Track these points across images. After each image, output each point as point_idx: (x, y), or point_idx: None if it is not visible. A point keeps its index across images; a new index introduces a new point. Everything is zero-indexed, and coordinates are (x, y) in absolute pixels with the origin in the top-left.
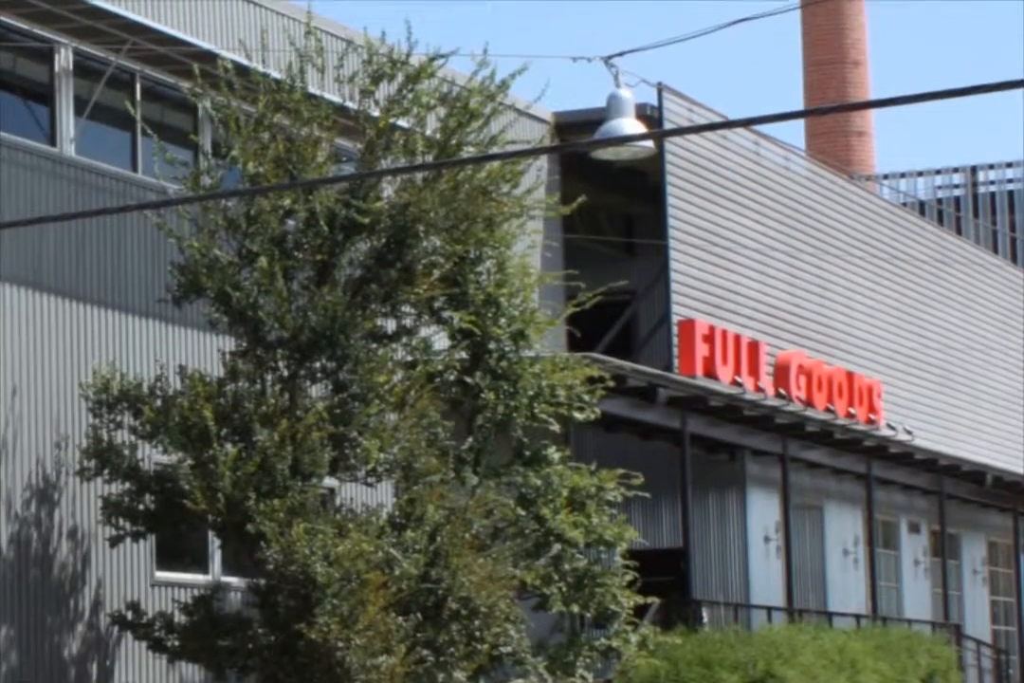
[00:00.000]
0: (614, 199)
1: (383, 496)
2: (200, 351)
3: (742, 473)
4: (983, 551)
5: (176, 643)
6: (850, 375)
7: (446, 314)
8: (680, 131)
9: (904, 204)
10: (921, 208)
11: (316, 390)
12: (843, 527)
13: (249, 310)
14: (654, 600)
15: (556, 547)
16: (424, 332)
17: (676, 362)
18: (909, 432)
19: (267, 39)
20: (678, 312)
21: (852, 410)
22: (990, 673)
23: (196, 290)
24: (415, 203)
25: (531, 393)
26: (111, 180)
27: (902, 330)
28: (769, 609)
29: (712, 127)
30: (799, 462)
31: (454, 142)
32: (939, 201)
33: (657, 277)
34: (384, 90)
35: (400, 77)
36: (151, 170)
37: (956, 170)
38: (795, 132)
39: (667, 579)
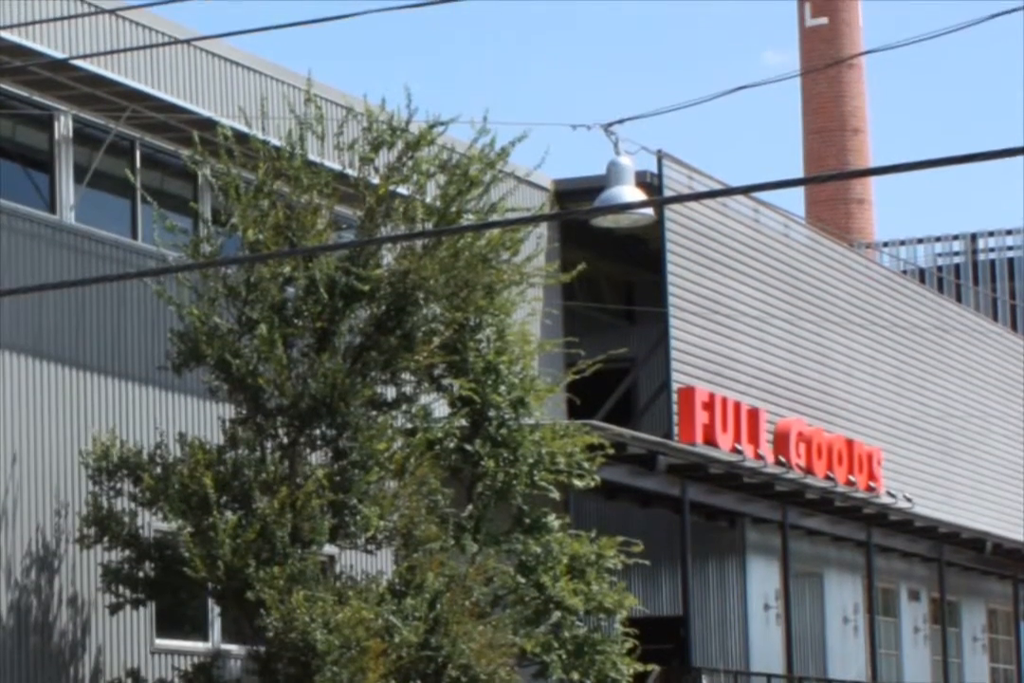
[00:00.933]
0: (614, 266)
1: (383, 563)
2: (200, 418)
3: (742, 540)
4: (983, 619)
5: None
6: (850, 442)
7: (446, 381)
8: (680, 199)
9: (904, 272)
10: (921, 275)
11: (316, 457)
12: (843, 594)
13: (249, 377)
14: (654, 668)
15: (556, 615)
16: (424, 399)
17: (676, 430)
18: (909, 499)
19: (267, 106)
20: (678, 379)
21: (852, 478)
22: None
23: (196, 357)
24: (415, 270)
25: (531, 461)
26: (111, 247)
27: (902, 397)
28: (769, 676)
29: (712, 195)
30: (799, 529)
31: (454, 210)
32: (939, 268)
33: (657, 344)
34: (384, 157)
35: (400, 144)
36: (151, 238)
37: (956, 237)
38: (795, 200)
39: (667, 647)
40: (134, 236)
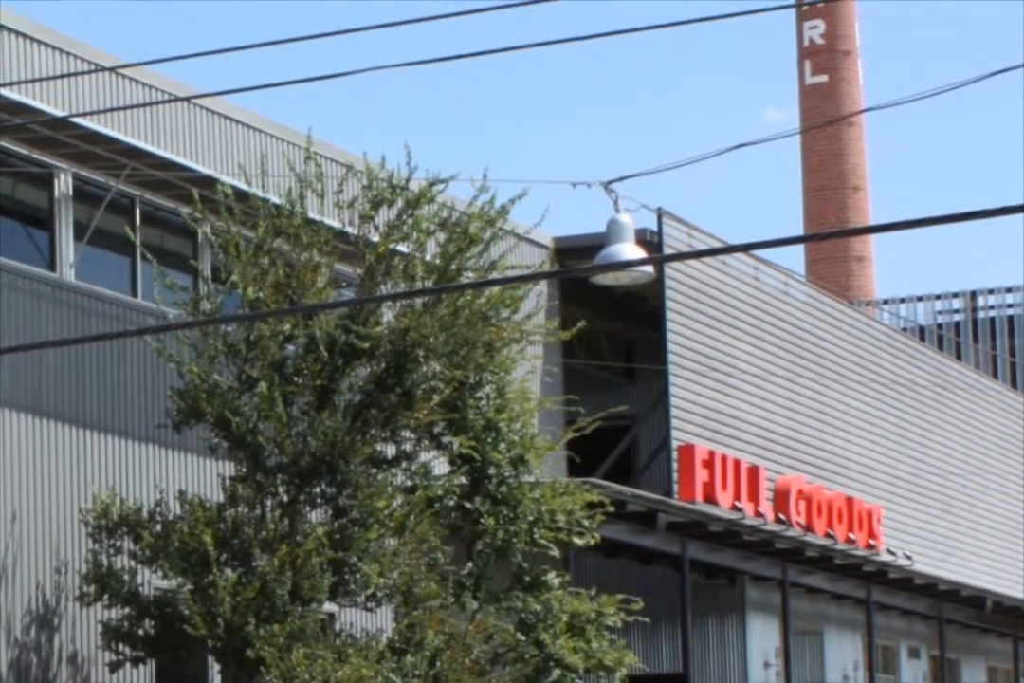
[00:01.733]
0: (614, 324)
1: (383, 621)
2: (200, 476)
3: (742, 598)
4: (983, 676)
5: None
6: (850, 500)
7: (446, 439)
8: (680, 256)
9: (904, 329)
10: (921, 333)
11: (316, 515)
12: (843, 652)
13: (249, 435)
14: None
15: (556, 672)
16: (424, 457)
17: (676, 487)
18: (909, 557)
19: (267, 164)
20: (678, 437)
21: (852, 535)
22: None
23: (196, 415)
24: (415, 328)
25: (531, 518)
26: (111, 305)
27: (902, 455)
28: None
29: (712, 252)
30: (799, 587)
31: (454, 267)
32: (939, 326)
33: (657, 402)
34: (384, 215)
35: (400, 202)
36: (151, 295)
37: (956, 295)
38: (795, 257)
39: None
40: (134, 294)
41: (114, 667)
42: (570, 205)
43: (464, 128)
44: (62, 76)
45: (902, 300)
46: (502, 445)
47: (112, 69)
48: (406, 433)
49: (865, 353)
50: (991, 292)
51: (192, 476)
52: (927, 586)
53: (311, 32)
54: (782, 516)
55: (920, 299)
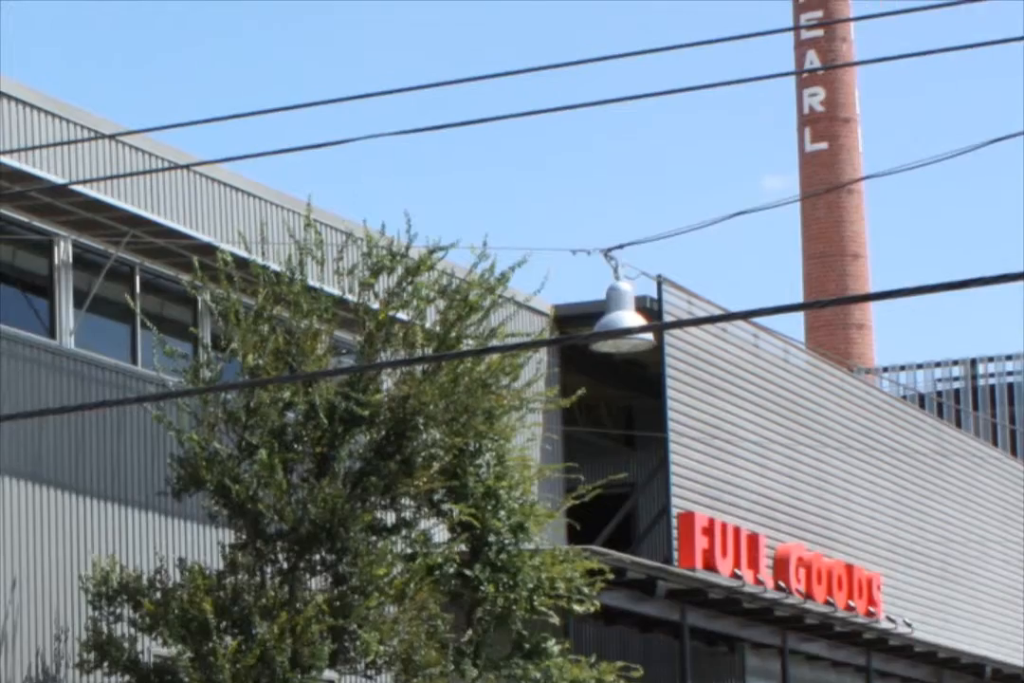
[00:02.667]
0: (614, 391)
1: None
2: (200, 543)
3: (742, 666)
4: None
5: None
6: (849, 567)
7: (446, 506)
8: (680, 324)
9: (904, 397)
10: (921, 401)
11: (316, 582)
12: None
13: (249, 503)
14: None
15: None
16: (424, 524)
17: (676, 555)
18: (909, 624)
19: (267, 231)
20: (678, 505)
21: (852, 603)
22: None
23: (196, 483)
24: (415, 396)
25: (531, 586)
26: (111, 373)
27: (902, 522)
28: None
29: (711, 320)
30: (799, 655)
31: (454, 335)
32: (939, 394)
33: (657, 469)
34: (384, 283)
35: (400, 270)
36: (151, 363)
37: (956, 363)
38: (795, 325)
39: None
40: (134, 361)
41: None
42: (570, 272)
43: (464, 195)
44: (62, 143)
45: (902, 368)
46: (502, 512)
47: (112, 136)
48: (406, 500)
49: (865, 421)
50: (991, 360)
51: (192, 544)
52: (927, 653)
53: (310, 99)
54: (782, 584)
55: (920, 367)
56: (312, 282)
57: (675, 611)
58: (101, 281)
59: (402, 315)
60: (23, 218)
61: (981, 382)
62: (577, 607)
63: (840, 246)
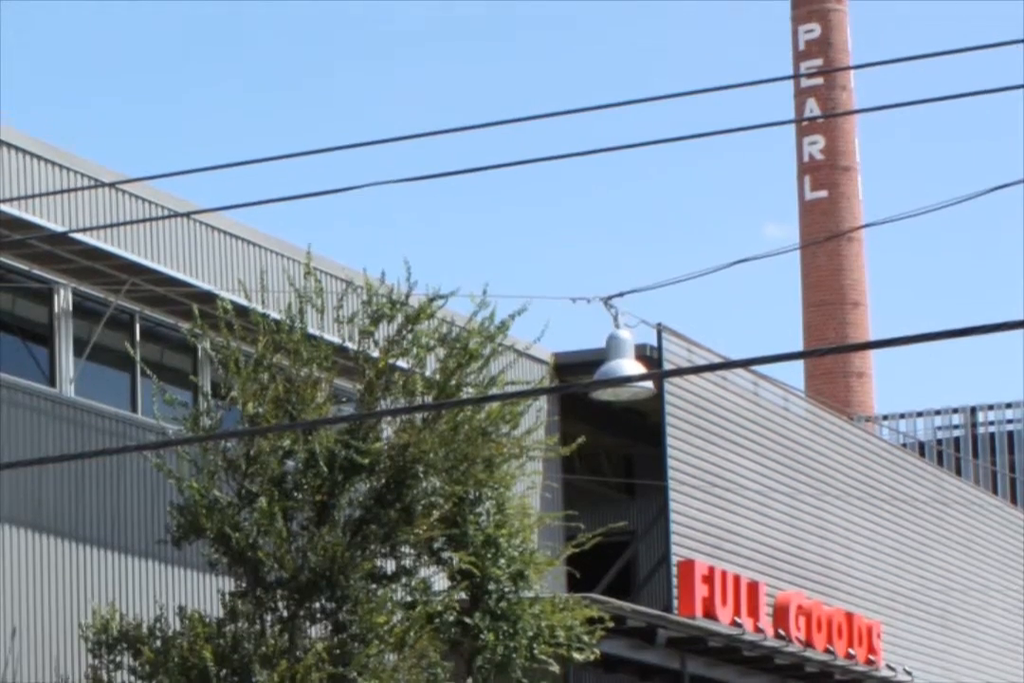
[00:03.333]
0: (614, 439)
1: None
2: (199, 592)
3: None
4: None
5: None
6: (849, 616)
7: (446, 554)
8: (680, 372)
9: (904, 445)
10: (921, 449)
11: (316, 630)
12: None
13: (249, 551)
14: None
15: None
16: (424, 572)
17: (675, 603)
18: (909, 673)
19: (267, 279)
20: (678, 553)
21: (852, 651)
22: None
23: (195, 531)
24: (414, 444)
25: (530, 634)
26: (110, 421)
27: (902, 570)
28: None
29: (711, 368)
30: None
31: (453, 383)
32: (939, 442)
33: (657, 517)
34: (384, 331)
35: (400, 318)
36: (150, 411)
37: (956, 411)
38: (795, 373)
39: None
40: (134, 409)
41: None
42: (570, 320)
43: (463, 243)
44: (62, 192)
45: (902, 416)
46: (502, 561)
47: (112, 184)
48: (406, 548)
49: (865, 469)
50: (991, 408)
51: (192, 591)
52: None
53: (310, 147)
54: (782, 632)
55: (920, 415)
56: (312, 330)
57: (675, 659)
58: (101, 329)
59: (402, 363)
60: (23, 266)
61: (981, 430)
62: (577, 655)
63: (840, 294)
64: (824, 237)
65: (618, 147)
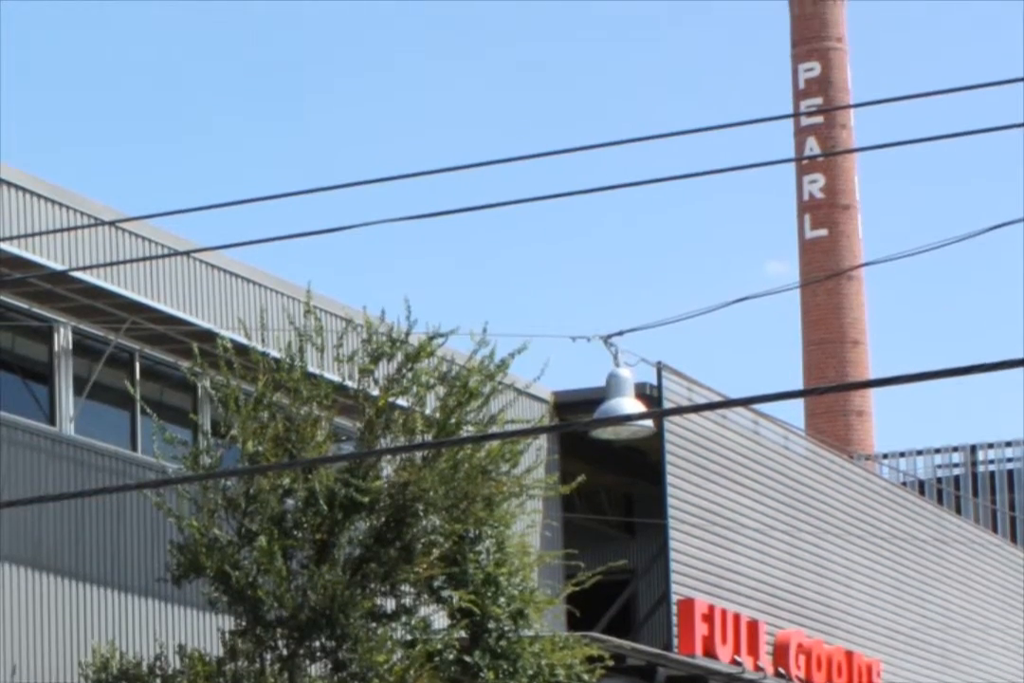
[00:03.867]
0: (614, 478)
1: None
2: (200, 630)
3: None
4: None
5: None
6: (849, 654)
7: (446, 593)
8: (680, 410)
9: (904, 483)
10: (921, 487)
11: (316, 669)
12: None
13: (248, 589)
14: None
15: None
16: (424, 611)
17: (676, 641)
18: None
19: (266, 318)
20: (678, 591)
21: None
22: None
23: (195, 569)
24: (414, 482)
25: (531, 672)
26: (110, 459)
27: (902, 609)
28: None
29: (711, 406)
30: None
31: (453, 421)
32: (939, 480)
33: (657, 556)
34: (383, 369)
35: (399, 356)
36: (150, 449)
37: (956, 449)
38: (795, 411)
39: None
40: (133, 448)
41: None
42: (570, 359)
43: (463, 281)
44: (62, 230)
45: (902, 454)
46: (502, 599)
47: (111, 223)
48: (406, 587)
49: (865, 507)
50: (991, 446)
51: (192, 630)
52: None
53: (310, 185)
54: (782, 670)
55: (920, 453)
56: (312, 369)
57: None
58: (101, 367)
59: (402, 401)
60: (23, 304)
61: (981, 469)
62: None
63: (840, 333)
64: (824, 276)
65: (619, 185)
